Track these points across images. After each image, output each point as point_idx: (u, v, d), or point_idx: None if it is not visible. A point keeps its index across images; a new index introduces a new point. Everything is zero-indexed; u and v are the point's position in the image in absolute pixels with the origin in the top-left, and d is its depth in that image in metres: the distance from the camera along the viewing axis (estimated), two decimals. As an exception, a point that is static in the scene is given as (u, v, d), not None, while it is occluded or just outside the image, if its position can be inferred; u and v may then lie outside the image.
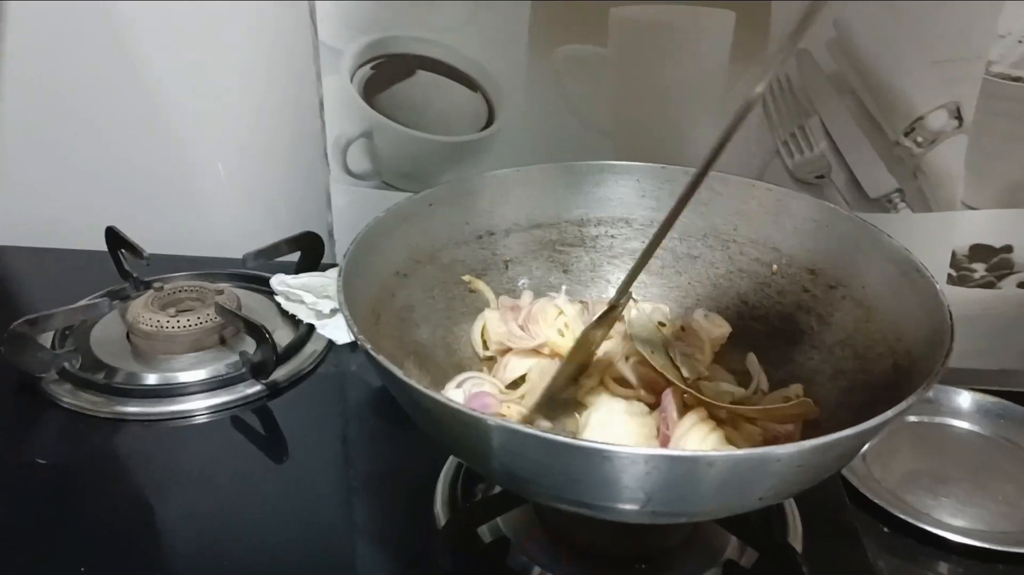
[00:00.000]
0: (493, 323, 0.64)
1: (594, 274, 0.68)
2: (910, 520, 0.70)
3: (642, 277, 0.67)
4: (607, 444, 0.41)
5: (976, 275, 0.86)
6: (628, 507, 0.44)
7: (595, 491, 0.43)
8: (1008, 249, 0.85)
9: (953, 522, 0.71)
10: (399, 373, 0.45)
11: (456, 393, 0.59)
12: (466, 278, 0.65)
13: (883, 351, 0.55)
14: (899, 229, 0.85)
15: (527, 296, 0.67)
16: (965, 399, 0.83)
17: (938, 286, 0.53)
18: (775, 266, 0.64)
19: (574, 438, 0.41)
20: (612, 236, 0.68)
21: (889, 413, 0.43)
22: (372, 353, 0.46)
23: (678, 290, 0.67)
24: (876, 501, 0.71)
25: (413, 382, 0.44)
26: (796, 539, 0.57)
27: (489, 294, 0.66)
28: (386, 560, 0.58)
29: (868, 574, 0.57)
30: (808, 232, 0.62)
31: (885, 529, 0.71)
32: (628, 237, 0.68)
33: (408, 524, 0.60)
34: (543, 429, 0.45)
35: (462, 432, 0.45)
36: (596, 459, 0.41)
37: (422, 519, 0.59)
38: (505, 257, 0.66)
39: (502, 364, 0.63)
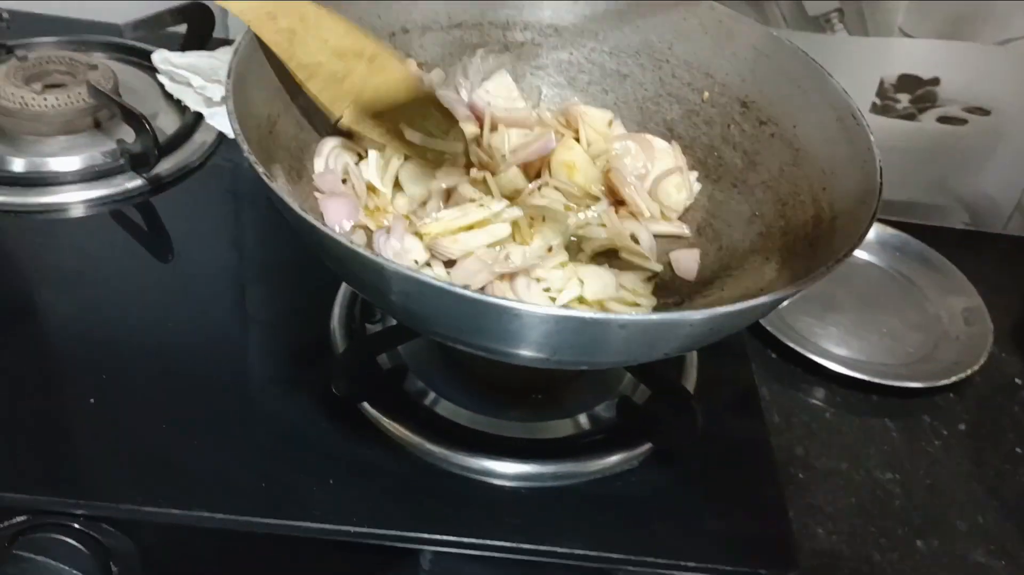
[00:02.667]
0: None
1: (516, 85, 0.63)
2: (796, 348, 0.72)
3: (567, 93, 0.63)
4: (517, 303, 0.39)
5: (899, 106, 0.85)
6: (532, 355, 0.42)
7: (500, 341, 0.42)
8: (935, 82, 0.83)
9: (837, 351, 0.74)
10: (296, 208, 0.40)
11: (318, 163, 0.55)
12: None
13: (805, 199, 0.53)
14: (832, 51, 0.82)
15: (437, 75, 0.61)
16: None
17: (872, 138, 0.50)
18: (706, 93, 0.60)
19: (482, 293, 0.39)
20: (538, 44, 0.62)
21: (805, 281, 0.42)
22: (266, 180, 0.41)
23: (602, 110, 0.63)
24: (767, 327, 0.73)
25: (312, 219, 0.40)
26: (691, 374, 0.58)
27: None
28: (278, 368, 0.57)
29: (755, 412, 0.58)
30: (747, 61, 0.58)
31: (772, 355, 0.74)
32: (555, 46, 0.62)
33: (304, 336, 0.58)
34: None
35: (361, 274, 0.42)
36: (504, 316, 0.39)
37: (317, 330, 0.57)
38: (419, 60, 0.60)
39: None
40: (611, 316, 0.39)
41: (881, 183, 0.48)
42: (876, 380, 0.71)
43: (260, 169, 0.41)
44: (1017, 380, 0.75)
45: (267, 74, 0.51)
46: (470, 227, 0.51)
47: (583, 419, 0.56)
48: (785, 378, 0.72)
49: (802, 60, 0.56)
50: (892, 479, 0.66)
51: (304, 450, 0.51)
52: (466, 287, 0.39)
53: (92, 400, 0.52)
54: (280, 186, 0.41)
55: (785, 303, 0.44)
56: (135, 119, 0.63)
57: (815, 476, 0.65)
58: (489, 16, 0.61)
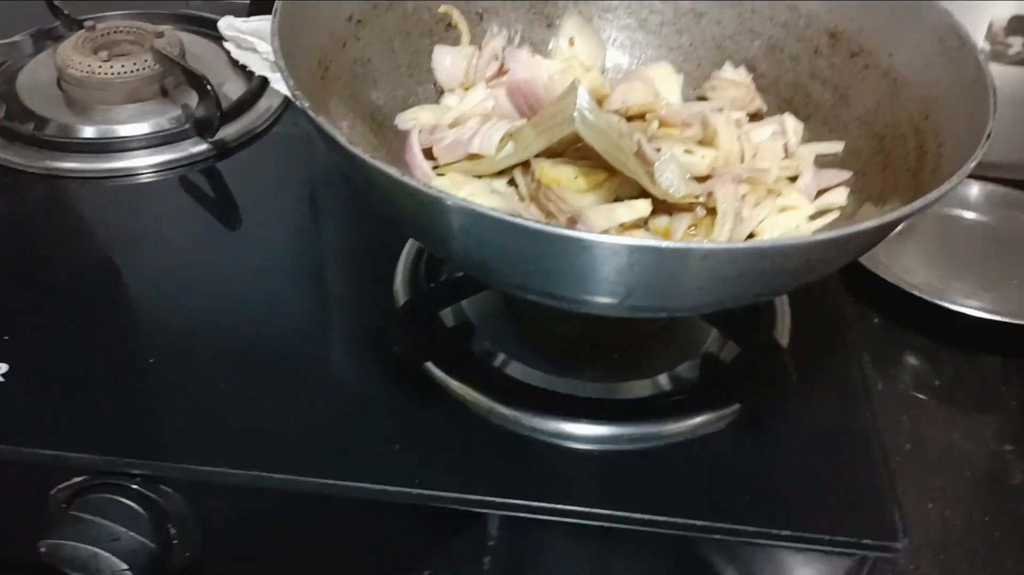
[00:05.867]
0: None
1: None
2: (921, 295, 0.65)
3: (638, 36, 0.59)
4: (585, 233, 0.35)
5: (1011, 51, 0.78)
6: (604, 300, 0.39)
7: (568, 283, 0.38)
8: (1052, 21, 0.76)
9: (968, 302, 0.67)
10: (342, 139, 0.38)
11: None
12: (443, 8, 0.55)
13: (906, 131, 0.48)
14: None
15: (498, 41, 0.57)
16: (973, 189, 0.77)
17: (981, 58, 0.45)
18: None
19: (547, 224, 0.35)
20: (607, -17, 0.58)
21: (916, 204, 0.37)
22: (311, 114, 0.39)
23: (677, 51, 0.58)
24: (886, 278, 0.66)
25: (358, 151, 0.37)
26: (783, 332, 0.53)
27: (466, 34, 0.57)
28: (342, 336, 0.54)
29: (856, 368, 0.53)
30: (834, -14, 0.53)
31: (875, 320, 0.68)
32: (625, -14, 0.58)
33: (369, 299, 0.56)
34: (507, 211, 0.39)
35: (417, 213, 0.39)
36: (572, 249, 0.35)
37: (383, 295, 0.55)
38: (479, 7, 0.57)
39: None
40: (692, 245, 0.35)
41: (995, 106, 0.42)
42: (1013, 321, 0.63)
43: (306, 104, 0.39)
44: None
45: (317, 18, 0.49)
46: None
47: (663, 379, 0.52)
48: (890, 343, 0.66)
49: (897, -21, 0.50)
50: (1011, 451, 0.60)
51: (368, 412, 0.49)
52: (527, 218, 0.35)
53: (152, 360, 0.51)
54: (326, 121, 0.39)
55: (892, 234, 0.40)
56: (197, 81, 0.62)
57: (923, 447, 0.60)
58: (556, -46, 0.58)
